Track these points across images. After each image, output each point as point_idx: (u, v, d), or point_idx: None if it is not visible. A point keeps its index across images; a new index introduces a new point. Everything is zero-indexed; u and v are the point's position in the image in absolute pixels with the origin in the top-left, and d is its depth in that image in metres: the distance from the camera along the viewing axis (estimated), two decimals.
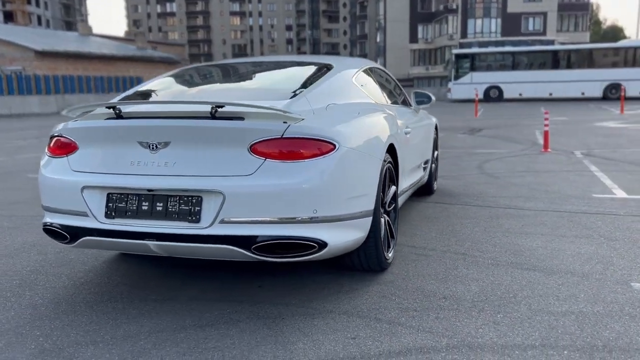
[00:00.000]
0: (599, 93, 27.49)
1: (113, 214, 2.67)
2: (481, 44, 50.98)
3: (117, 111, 2.73)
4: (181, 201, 2.57)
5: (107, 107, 2.77)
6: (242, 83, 3.63)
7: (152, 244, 2.60)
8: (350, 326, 2.52)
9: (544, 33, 55.87)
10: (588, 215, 4.59)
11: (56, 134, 2.92)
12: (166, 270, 3.37)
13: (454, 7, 57.16)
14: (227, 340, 2.41)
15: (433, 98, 4.95)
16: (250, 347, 2.34)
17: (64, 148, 2.87)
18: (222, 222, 2.50)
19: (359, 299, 2.85)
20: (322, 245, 2.54)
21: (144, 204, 2.63)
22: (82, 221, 2.75)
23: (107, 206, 2.69)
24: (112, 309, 2.81)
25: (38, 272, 3.42)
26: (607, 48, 28.57)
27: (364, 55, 79.27)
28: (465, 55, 30.31)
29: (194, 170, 2.56)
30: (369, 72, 3.95)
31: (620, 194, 5.54)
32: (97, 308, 2.82)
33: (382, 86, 4.15)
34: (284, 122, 2.57)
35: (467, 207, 5.06)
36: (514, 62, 29.04)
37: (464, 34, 56.53)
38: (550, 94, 28.07)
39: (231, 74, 3.85)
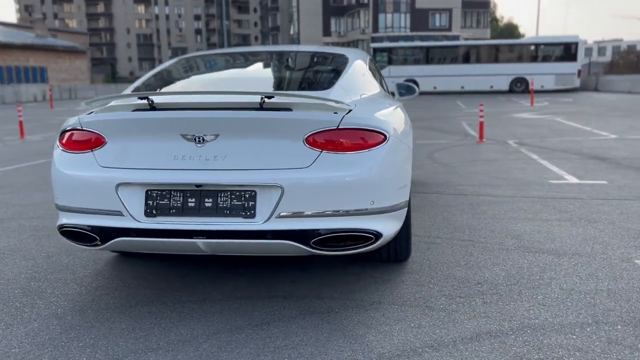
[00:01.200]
0: (505, 86, 29.30)
1: (154, 212, 2.51)
2: (392, 39, 52.54)
3: (150, 102, 2.56)
4: (233, 196, 2.46)
5: (139, 98, 2.58)
6: (267, 73, 3.50)
7: (201, 242, 2.47)
8: (407, 316, 2.55)
9: (449, 29, 58.56)
10: (558, 200, 4.91)
11: (76, 127, 2.68)
12: (180, 269, 3.21)
13: (365, 1, 58.40)
14: (293, 337, 2.36)
15: (417, 91, 5.07)
16: (322, 343, 2.30)
17: (87, 142, 2.64)
18: (280, 216, 2.43)
19: (399, 288, 2.89)
20: (378, 236, 2.54)
21: (190, 200, 2.49)
22: (116, 221, 2.55)
23: (146, 204, 2.51)
24: (147, 313, 2.64)
25: (37, 280, 3.13)
26: (512, 44, 30.47)
27: None
28: (383, 50, 31.12)
29: (247, 164, 2.46)
30: (371, 62, 3.97)
31: (571, 179, 5.97)
32: (131, 313, 2.64)
33: (381, 76, 4.20)
34: (335, 113, 2.54)
35: (442, 195, 5.24)
36: (428, 57, 30.22)
37: (375, 29, 57.93)
38: (462, 87, 29.53)
39: (249, 64, 3.71)
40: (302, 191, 2.42)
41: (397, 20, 58.24)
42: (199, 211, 2.47)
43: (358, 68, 3.33)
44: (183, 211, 2.48)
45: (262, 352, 2.23)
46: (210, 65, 3.68)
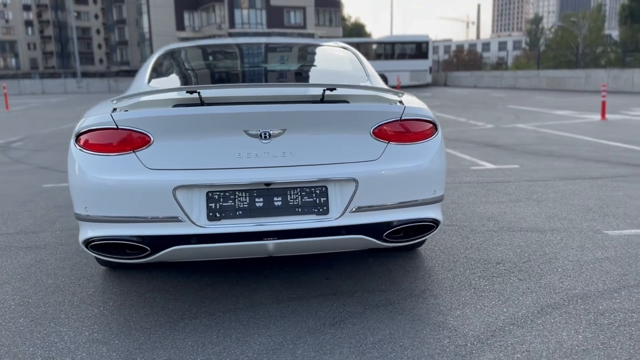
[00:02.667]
0: None
1: (218, 215, 2.31)
2: (249, 35, 52.39)
3: (199, 96, 2.35)
4: (303, 193, 2.37)
5: (187, 92, 2.36)
6: (289, 65, 3.33)
7: (272, 243, 2.34)
8: (466, 300, 2.66)
9: (304, 26, 59.98)
10: (494, 184, 5.38)
11: (108, 126, 2.36)
12: (199, 278, 2.99)
13: None
14: (381, 332, 2.34)
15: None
16: (412, 333, 2.32)
17: (127, 143, 2.34)
18: (354, 211, 2.39)
19: (435, 275, 2.99)
20: (438, 224, 2.60)
21: (257, 200, 2.34)
22: (172, 228, 2.31)
23: (208, 207, 2.31)
24: (204, 326, 2.43)
25: (37, 306, 2.71)
26: (371, 42, 32.18)
27: (124, 42, 74.50)
28: None
29: (317, 158, 2.38)
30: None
31: (488, 165, 6.55)
32: (186, 328, 2.41)
33: None
34: (397, 104, 2.56)
35: None
36: None
37: (232, 24, 57.32)
38: None
39: (263, 55, 3.49)
40: (375, 184, 2.40)
41: (254, 16, 58.21)
42: (269, 211, 2.34)
43: (364, 58, 3.36)
44: (251, 212, 2.33)
45: (362, 351, 2.19)
46: (223, 57, 3.43)
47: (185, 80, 2.91)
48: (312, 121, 2.39)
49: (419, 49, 31.22)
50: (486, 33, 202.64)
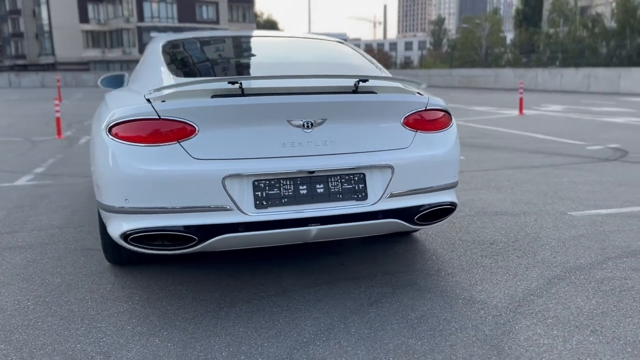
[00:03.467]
0: None
1: (264, 202, 2.37)
2: (160, 29, 50.80)
3: (240, 86, 2.39)
4: (343, 180, 2.47)
5: (229, 83, 2.38)
6: (306, 57, 3.34)
7: (315, 229, 2.43)
8: (479, 276, 2.89)
9: (217, 22, 59.00)
10: None
11: (149, 117, 2.33)
12: (216, 270, 3.00)
13: None
14: (418, 308, 2.50)
15: None
16: (449, 308, 2.50)
17: (171, 133, 2.33)
18: (390, 196, 2.53)
19: (443, 256, 3.20)
20: (456, 207, 2.81)
21: (301, 187, 2.42)
22: (220, 217, 2.33)
23: (255, 195, 2.36)
24: (246, 312, 2.47)
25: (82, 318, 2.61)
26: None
27: (19, 34, 69.29)
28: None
29: (356, 147, 2.49)
30: None
31: None
32: (234, 315, 2.44)
33: None
34: (419, 94, 2.73)
35: None
36: None
37: (141, 18, 55.19)
38: None
39: (276, 48, 3.47)
40: (408, 170, 2.56)
41: (164, 10, 56.39)
42: (312, 197, 2.42)
43: (363, 52, 3.51)
44: (296, 199, 2.40)
45: (412, 325, 2.34)
46: (237, 49, 3.41)
47: (213, 71, 2.89)
48: (350, 111, 2.50)
49: None
50: (392, 33, 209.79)
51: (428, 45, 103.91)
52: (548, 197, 4.61)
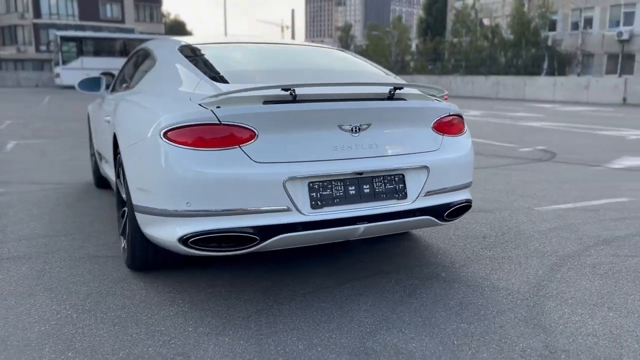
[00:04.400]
0: None
1: (319, 203, 2.50)
2: (59, 27, 47.96)
3: (293, 93, 2.52)
4: (385, 181, 2.66)
5: (282, 89, 2.49)
6: (329, 65, 3.43)
7: (363, 227, 2.59)
8: (491, 266, 3.18)
9: (122, 21, 56.64)
10: None
11: (210, 122, 2.38)
12: (247, 271, 3.07)
13: None
14: (454, 297, 2.73)
15: (103, 87, 5.37)
16: (480, 295, 2.76)
17: (231, 138, 2.39)
18: (426, 194, 2.75)
19: (446, 251, 3.47)
20: (471, 205, 3.08)
21: (350, 188, 2.57)
22: (281, 217, 2.43)
23: (310, 196, 2.48)
24: (301, 308, 2.58)
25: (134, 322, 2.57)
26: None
27: None
28: (71, 39, 28.51)
29: (396, 149, 2.68)
30: None
31: None
32: (288, 311, 2.54)
33: None
34: (439, 101, 2.97)
35: None
36: (125, 49, 29.04)
37: (37, 14, 51.77)
38: None
39: (292, 56, 3.52)
40: (440, 170, 2.79)
41: (63, 6, 53.28)
42: (360, 197, 2.59)
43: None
44: (346, 199, 2.56)
45: (456, 311, 2.56)
46: (264, 56, 3.44)
47: (252, 78, 2.92)
48: (390, 116, 2.70)
49: None
50: (300, 38, 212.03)
51: None
52: (510, 195, 5.06)
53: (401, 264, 3.21)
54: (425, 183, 2.74)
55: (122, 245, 3.22)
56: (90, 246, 3.54)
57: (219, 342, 2.27)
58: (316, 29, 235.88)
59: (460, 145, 2.95)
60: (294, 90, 2.50)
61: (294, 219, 2.45)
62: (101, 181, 5.26)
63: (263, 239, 2.43)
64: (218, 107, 2.45)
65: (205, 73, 2.85)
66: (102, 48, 28.93)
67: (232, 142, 2.40)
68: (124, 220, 3.18)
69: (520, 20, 34.81)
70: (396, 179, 2.69)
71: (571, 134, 10.69)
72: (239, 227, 2.39)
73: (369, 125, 2.62)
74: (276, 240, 2.45)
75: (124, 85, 4.07)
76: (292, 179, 2.43)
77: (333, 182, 2.54)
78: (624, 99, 23.54)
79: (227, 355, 2.17)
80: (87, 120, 5.65)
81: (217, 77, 2.80)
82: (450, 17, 42.64)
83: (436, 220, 2.83)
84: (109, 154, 3.86)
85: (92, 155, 5.54)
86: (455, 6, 42.43)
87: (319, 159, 2.50)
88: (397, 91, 2.76)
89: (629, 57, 33.03)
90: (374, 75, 3.31)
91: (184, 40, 3.54)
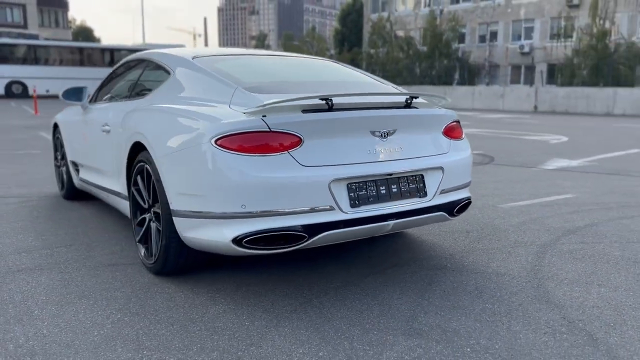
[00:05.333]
0: None
1: (357, 202, 2.75)
2: None
3: (330, 103, 2.76)
4: (409, 181, 2.95)
5: (320, 99, 2.72)
6: (332, 76, 3.63)
7: (392, 223, 2.87)
8: (488, 256, 3.56)
9: (25, 26, 53.40)
10: None
11: (260, 129, 2.56)
12: (268, 271, 3.25)
13: None
14: (468, 284, 3.07)
15: None
16: (489, 280, 3.12)
17: (281, 144, 2.59)
18: (441, 193, 3.07)
19: (442, 244, 3.82)
20: (470, 202, 3.44)
21: (381, 188, 2.84)
22: (325, 216, 2.65)
23: (349, 196, 2.72)
24: (340, 300, 2.81)
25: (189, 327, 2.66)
26: (128, 49, 30.87)
27: None
28: None
29: (417, 152, 2.99)
30: None
31: None
32: (329, 303, 2.76)
33: None
34: (444, 109, 3.32)
35: None
36: (37, 56, 27.52)
37: None
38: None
39: (301, 68, 3.69)
40: (452, 171, 3.13)
41: None
42: (390, 196, 2.87)
43: None
44: (378, 198, 2.82)
45: (477, 295, 2.90)
46: (275, 67, 3.59)
47: (280, 88, 3.09)
48: (412, 122, 3.00)
49: None
50: (214, 46, 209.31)
51: None
52: (472, 194, 5.52)
53: (408, 257, 3.51)
54: (440, 182, 3.06)
55: (142, 252, 3.28)
56: (97, 256, 3.54)
57: (281, 333, 2.45)
58: (230, 38, 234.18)
59: (463, 148, 3.31)
60: (330, 99, 2.74)
61: (337, 217, 2.68)
62: (73, 193, 5.17)
63: (310, 237, 2.64)
64: (264, 115, 2.63)
65: (236, 83, 3.00)
66: (15, 55, 27.27)
67: (282, 148, 2.60)
68: (144, 227, 3.25)
69: (433, 33, 36.72)
70: (417, 179, 2.99)
71: (500, 140, 11.58)
72: (290, 226, 2.59)
73: (394, 130, 2.90)
74: (321, 237, 2.67)
75: (123, 95, 4.09)
76: (336, 180, 2.66)
77: (367, 183, 2.80)
78: (535, 107, 25.64)
79: (295, 342, 2.35)
80: (54, 131, 5.52)
81: (249, 87, 2.96)
82: (367, 28, 44.08)
83: (447, 215, 3.16)
84: (109, 163, 3.88)
85: (60, 166, 5.42)
86: (371, 18, 43.95)
87: (356, 161, 2.75)
88: (414, 100, 3.07)
89: (531, 68, 35.80)
90: (379, 84, 3.61)
91: (192, 51, 3.66)
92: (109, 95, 4.37)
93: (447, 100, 3.40)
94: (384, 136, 2.86)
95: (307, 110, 2.73)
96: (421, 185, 3.00)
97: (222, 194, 2.57)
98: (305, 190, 2.60)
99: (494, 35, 37.78)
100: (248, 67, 3.48)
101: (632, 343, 2.36)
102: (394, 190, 2.89)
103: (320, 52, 49.59)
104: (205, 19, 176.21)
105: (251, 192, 2.54)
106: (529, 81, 35.35)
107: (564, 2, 33.65)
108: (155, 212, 3.12)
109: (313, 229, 2.64)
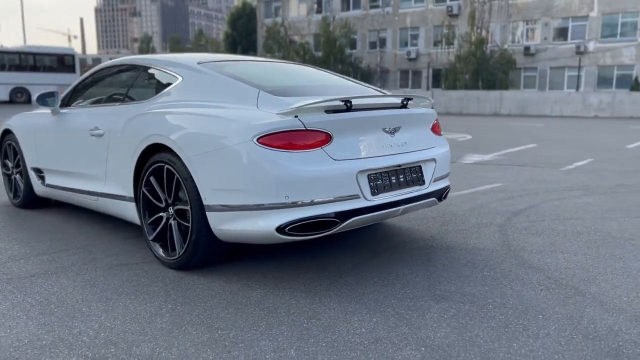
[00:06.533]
0: (5, 97, 27.56)
1: (376, 190, 3.13)
2: None
3: (349, 104, 3.12)
4: (411, 171, 3.39)
5: (341, 101, 3.07)
6: (325, 80, 3.91)
7: (402, 208, 3.28)
8: (467, 236, 4.10)
9: None
10: None
11: (298, 128, 2.86)
12: (276, 262, 3.53)
13: None
14: (467, 257, 3.57)
15: None
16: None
17: (316, 141, 2.90)
18: (434, 181, 3.54)
19: (424, 230, 4.31)
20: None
21: (392, 178, 3.25)
22: (353, 203, 3.00)
23: (370, 185, 3.10)
24: (360, 279, 3.17)
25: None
26: (6, 51, 28.77)
27: None
28: None
29: (416, 146, 3.43)
30: None
31: None
32: (353, 283, 3.11)
33: None
34: (431, 108, 3.80)
35: None
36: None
37: None
38: None
39: (296, 73, 3.92)
40: (441, 162, 3.61)
41: None
42: (399, 185, 3.28)
43: None
44: (391, 187, 3.23)
45: (480, 266, 3.40)
46: (276, 72, 3.81)
47: (295, 91, 3.36)
48: (411, 120, 3.44)
49: (62, 62, 29.52)
50: (92, 49, 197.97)
51: None
52: None
53: (397, 242, 3.95)
54: (434, 172, 3.53)
55: (159, 250, 3.40)
56: (102, 258, 3.60)
57: (329, 307, 2.76)
58: (110, 40, 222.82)
59: (444, 143, 3.81)
60: (350, 101, 3.10)
61: (362, 204, 3.04)
62: (32, 201, 5.04)
63: (341, 222, 2.98)
64: (296, 116, 2.93)
65: (257, 87, 3.25)
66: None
67: (316, 144, 2.92)
68: (160, 226, 3.39)
69: (327, 39, 37.94)
70: (417, 169, 3.43)
71: None
72: (326, 214, 2.91)
73: (399, 127, 3.32)
74: (350, 222, 3.02)
75: (113, 99, 4.10)
76: (360, 172, 3.03)
77: (382, 173, 3.19)
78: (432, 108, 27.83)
79: (346, 313, 2.68)
80: (2, 138, 5.30)
81: (271, 90, 3.23)
82: (262, 33, 44.44)
83: (437, 201, 3.64)
84: (98, 167, 3.91)
85: (11, 174, 5.23)
86: (265, 23, 44.37)
87: (374, 155, 3.14)
88: (409, 101, 3.52)
89: (417, 73, 38.24)
90: (364, 86, 4.03)
91: (192, 56, 3.84)
92: (90, 100, 4.36)
93: (431, 100, 3.89)
94: (393, 132, 3.27)
95: (329, 110, 3.07)
96: (420, 174, 3.45)
97: (266, 187, 2.83)
98: (337, 181, 2.94)
99: (383, 41, 39.82)
100: (254, 72, 3.72)
101: (608, 291, 2.97)
102: (402, 179, 3.31)
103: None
104: (81, 20, 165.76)
105: (293, 184, 2.83)
106: (417, 85, 37.73)
107: (445, 12, 36.35)
108: (178, 210, 3.27)
109: (344, 215, 2.97)
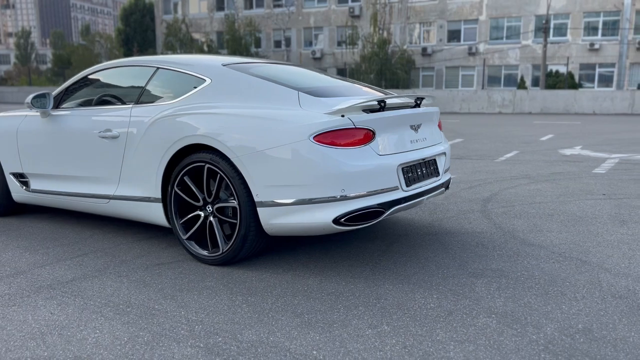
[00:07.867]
0: None
1: (409, 182, 3.44)
2: None
3: (382, 104, 3.41)
4: (430, 164, 3.74)
5: (376, 101, 3.35)
6: (332, 81, 4.08)
7: (426, 197, 3.63)
8: (458, 223, 4.53)
9: None
10: None
11: (348, 126, 3.09)
12: (292, 257, 3.74)
13: None
14: (476, 237, 3.99)
15: None
16: (492, 239, 4.07)
17: (364, 138, 3.15)
18: (444, 172, 3.92)
19: (414, 219, 4.69)
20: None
21: (418, 170, 3.58)
22: (393, 194, 3.28)
23: (404, 177, 3.41)
24: (379, 269, 3.47)
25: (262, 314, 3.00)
26: None
27: None
28: None
29: (433, 141, 3.78)
30: None
31: None
32: (381, 268, 3.40)
33: None
34: (436, 107, 4.17)
35: None
36: None
37: None
38: None
39: (309, 74, 4.05)
40: (448, 155, 4.00)
41: None
42: (424, 176, 3.62)
43: None
44: (418, 178, 3.56)
45: (481, 247, 3.82)
46: (294, 74, 3.91)
47: (325, 91, 3.54)
48: (427, 118, 3.79)
49: None
50: None
51: (14, 60, 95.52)
52: None
53: (399, 234, 4.27)
54: (444, 164, 3.92)
55: (196, 248, 3.48)
56: (132, 259, 3.59)
57: (385, 290, 3.03)
58: None
59: (445, 138, 4.22)
60: (384, 101, 3.38)
61: (401, 195, 3.34)
62: (10, 208, 4.81)
63: (385, 211, 3.26)
64: (342, 115, 3.16)
65: (294, 89, 3.43)
66: None
67: (364, 141, 3.17)
68: (197, 224, 3.47)
69: (232, 37, 37.64)
70: (433, 162, 3.79)
71: None
72: (374, 205, 3.17)
73: (420, 124, 3.66)
74: (392, 211, 3.30)
75: (123, 101, 4.04)
76: (400, 165, 3.33)
77: (413, 166, 3.50)
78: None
79: (407, 292, 2.96)
80: None
81: (308, 91, 3.42)
82: (162, 30, 43.04)
83: (445, 190, 4.03)
84: (112, 169, 3.87)
85: None
86: (165, 19, 43.05)
87: (407, 149, 3.45)
88: (423, 101, 3.87)
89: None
90: (367, 87, 4.33)
91: (215, 58, 3.93)
92: (89, 101, 4.24)
93: (434, 98, 4.26)
94: (417, 129, 3.61)
95: (366, 110, 3.33)
96: (435, 167, 3.81)
97: (325, 181, 3.04)
98: (383, 174, 3.21)
99: (288, 40, 40.23)
100: (279, 74, 3.87)
101: (606, 259, 3.51)
102: (425, 171, 3.65)
103: (110, 53, 46.83)
104: None
105: (349, 178, 3.06)
106: None
107: (347, 12, 37.49)
108: (219, 208, 3.37)
109: (387, 205, 3.26)
